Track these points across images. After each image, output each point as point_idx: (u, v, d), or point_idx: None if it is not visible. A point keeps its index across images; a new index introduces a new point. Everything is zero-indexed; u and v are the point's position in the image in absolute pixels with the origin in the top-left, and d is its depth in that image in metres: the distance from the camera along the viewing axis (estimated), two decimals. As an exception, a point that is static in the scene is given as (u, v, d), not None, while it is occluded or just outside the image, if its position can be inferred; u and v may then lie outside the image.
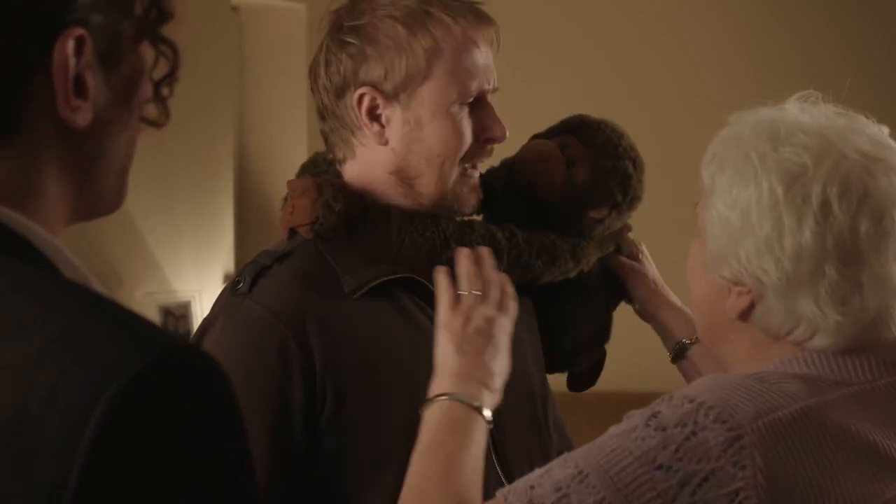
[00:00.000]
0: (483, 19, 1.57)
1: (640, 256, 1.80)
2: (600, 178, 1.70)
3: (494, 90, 1.60)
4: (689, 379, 1.68)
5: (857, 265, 1.23)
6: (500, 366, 1.50)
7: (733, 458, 1.15)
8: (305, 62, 4.84)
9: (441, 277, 1.54)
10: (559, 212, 1.70)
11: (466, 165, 1.59)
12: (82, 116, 0.90)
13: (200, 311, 3.98)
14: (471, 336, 1.49)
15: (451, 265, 1.58)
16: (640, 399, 1.46)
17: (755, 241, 1.25)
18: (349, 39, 1.56)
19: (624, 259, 1.78)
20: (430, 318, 1.59)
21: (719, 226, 1.29)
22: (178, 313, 3.95)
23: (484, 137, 1.58)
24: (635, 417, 1.21)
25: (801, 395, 1.22)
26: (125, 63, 0.93)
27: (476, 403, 1.44)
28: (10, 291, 0.85)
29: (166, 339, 0.83)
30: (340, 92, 1.57)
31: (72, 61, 0.88)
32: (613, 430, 1.22)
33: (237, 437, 0.84)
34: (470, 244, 1.59)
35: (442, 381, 1.47)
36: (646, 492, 1.16)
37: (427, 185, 1.58)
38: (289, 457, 1.51)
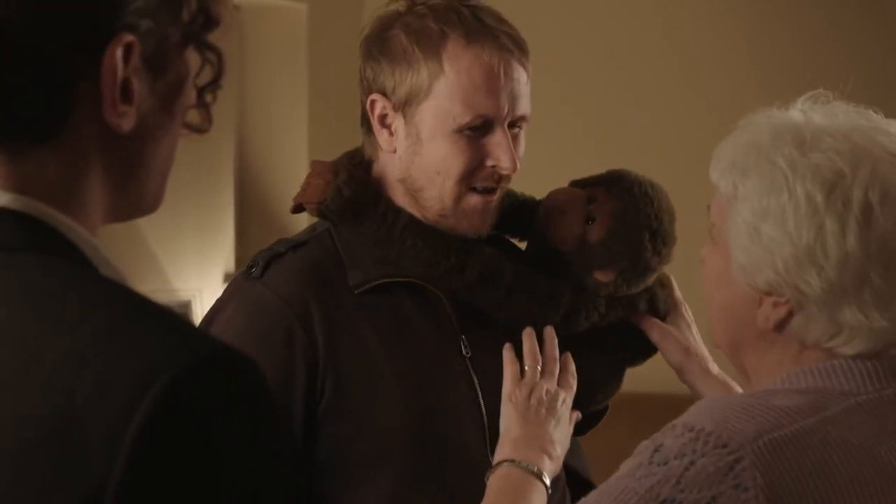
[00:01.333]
0: (505, 47, 1.58)
1: (681, 320, 1.75)
2: (613, 242, 1.68)
3: (517, 119, 1.60)
4: None
5: None
6: (562, 435, 1.60)
7: (734, 480, 1.14)
8: (306, 62, 4.81)
9: (507, 353, 1.63)
10: (568, 265, 1.69)
11: (476, 187, 1.60)
12: (127, 122, 0.90)
13: (201, 309, 3.98)
14: (534, 407, 1.58)
15: (448, 276, 1.62)
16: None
17: (794, 251, 1.22)
18: (374, 49, 1.61)
19: (655, 323, 1.74)
20: (430, 320, 1.63)
21: (748, 236, 1.26)
22: (179, 312, 3.94)
23: (490, 164, 1.59)
24: (642, 453, 1.20)
25: (803, 412, 1.20)
26: (171, 69, 0.93)
27: (535, 469, 1.53)
28: (56, 288, 0.87)
29: (209, 340, 0.85)
30: (365, 95, 1.63)
31: (120, 67, 0.89)
32: (623, 467, 1.22)
33: (275, 438, 0.85)
34: (472, 263, 1.62)
35: (504, 447, 1.56)
36: None
37: (429, 200, 1.61)
38: (291, 441, 1.53)
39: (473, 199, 1.60)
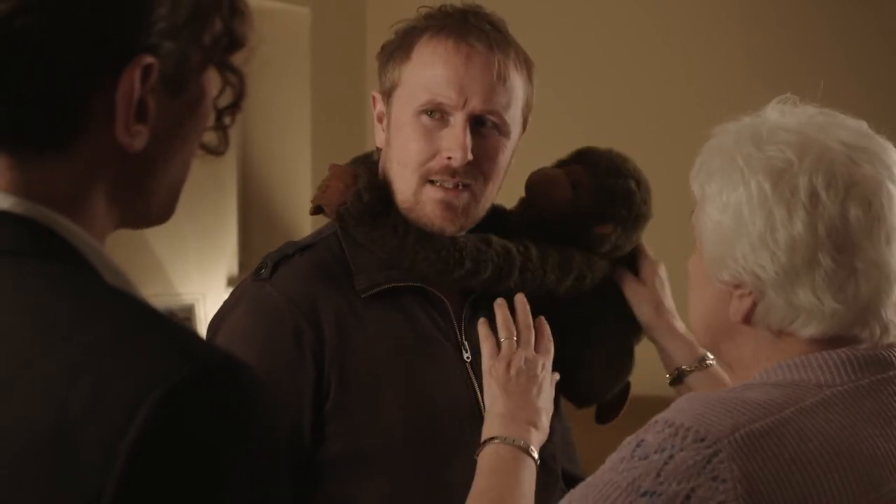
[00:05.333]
0: (472, 42, 1.60)
1: (655, 277, 1.80)
2: (605, 195, 1.74)
3: (483, 112, 1.60)
4: None
5: (850, 251, 1.25)
6: (545, 402, 1.61)
7: (712, 473, 1.17)
8: (309, 66, 4.79)
9: (482, 328, 1.64)
10: (567, 229, 1.74)
11: (434, 180, 1.61)
12: (139, 141, 0.90)
13: (204, 313, 3.99)
14: (514, 378, 1.60)
15: (462, 283, 1.65)
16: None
17: (749, 240, 1.27)
18: (382, 48, 1.67)
19: (630, 278, 1.79)
20: (435, 323, 1.66)
21: (714, 231, 1.31)
22: (182, 316, 3.95)
23: (445, 156, 1.60)
24: (625, 447, 1.24)
25: (778, 404, 1.23)
26: (189, 90, 0.92)
27: (522, 444, 1.54)
28: (55, 296, 0.86)
29: (208, 350, 0.84)
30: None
31: (137, 88, 0.88)
32: (608, 461, 1.25)
33: (273, 450, 0.84)
34: (485, 261, 1.64)
35: (491, 424, 1.58)
36: None
37: (398, 193, 1.64)
38: (300, 439, 1.56)
39: (431, 191, 1.61)
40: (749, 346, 1.33)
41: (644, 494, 1.18)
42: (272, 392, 0.86)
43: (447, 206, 1.62)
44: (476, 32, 1.61)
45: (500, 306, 1.65)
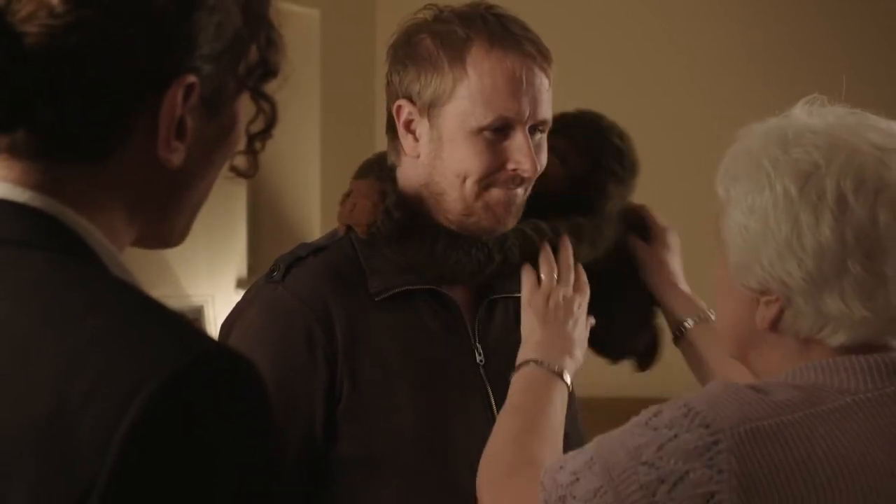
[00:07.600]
0: (528, 53, 1.61)
1: (661, 243, 1.83)
2: (594, 159, 1.78)
3: (539, 122, 1.63)
4: (689, 360, 1.75)
5: (880, 258, 1.22)
6: (580, 335, 1.65)
7: (710, 461, 1.17)
8: (319, 68, 4.78)
9: (525, 267, 1.69)
10: (568, 202, 1.76)
11: (509, 187, 1.63)
12: (178, 157, 0.93)
13: (213, 315, 4.00)
14: (552, 310, 1.64)
15: (492, 279, 1.68)
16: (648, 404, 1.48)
17: (776, 245, 1.24)
18: (402, 53, 1.65)
19: (639, 244, 1.83)
20: (447, 327, 1.67)
21: (739, 236, 1.29)
22: (191, 317, 3.96)
23: (510, 168, 1.62)
24: (646, 413, 1.25)
25: (792, 406, 1.22)
26: (223, 114, 0.96)
27: (557, 368, 1.57)
28: (64, 287, 0.87)
29: (208, 342, 0.85)
30: (392, 101, 1.66)
31: (179, 105, 0.91)
32: (630, 422, 1.27)
33: (270, 443, 0.85)
34: (510, 247, 1.67)
35: (527, 349, 1.61)
36: (631, 483, 1.20)
37: (451, 202, 1.64)
38: (312, 441, 1.58)
39: (496, 193, 1.63)
40: (776, 355, 1.30)
41: (644, 463, 1.20)
42: (281, 388, 0.87)
43: (509, 204, 1.64)
44: (525, 42, 1.62)
45: (543, 247, 1.69)
